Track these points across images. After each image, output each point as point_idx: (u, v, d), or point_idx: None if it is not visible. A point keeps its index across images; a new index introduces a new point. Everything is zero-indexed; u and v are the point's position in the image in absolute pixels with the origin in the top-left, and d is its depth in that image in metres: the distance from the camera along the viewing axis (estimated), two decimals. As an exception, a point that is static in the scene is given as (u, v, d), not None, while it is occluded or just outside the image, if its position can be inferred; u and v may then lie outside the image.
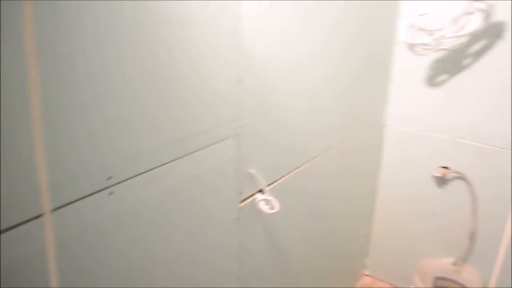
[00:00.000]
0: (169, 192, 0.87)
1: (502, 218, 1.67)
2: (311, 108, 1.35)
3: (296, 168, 1.35)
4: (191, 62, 0.85)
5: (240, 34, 0.96)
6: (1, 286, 0.60)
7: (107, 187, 0.74)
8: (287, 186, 1.32)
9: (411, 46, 1.50)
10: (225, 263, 1.15)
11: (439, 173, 1.82)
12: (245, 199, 1.16)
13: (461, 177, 1.82)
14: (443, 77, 1.76)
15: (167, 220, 0.89)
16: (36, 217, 0.63)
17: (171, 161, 0.86)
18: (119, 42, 0.69)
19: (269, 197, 1.18)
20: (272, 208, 1.18)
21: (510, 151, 1.67)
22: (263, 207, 1.17)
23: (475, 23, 1.42)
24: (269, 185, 1.23)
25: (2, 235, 0.59)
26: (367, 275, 2.30)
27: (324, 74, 1.38)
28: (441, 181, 1.88)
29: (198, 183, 0.96)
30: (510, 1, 1.51)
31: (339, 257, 1.92)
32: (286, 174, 1.30)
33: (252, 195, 1.18)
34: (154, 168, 0.82)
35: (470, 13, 1.42)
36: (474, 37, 1.60)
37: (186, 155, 0.89)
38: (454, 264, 1.94)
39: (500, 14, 1.55)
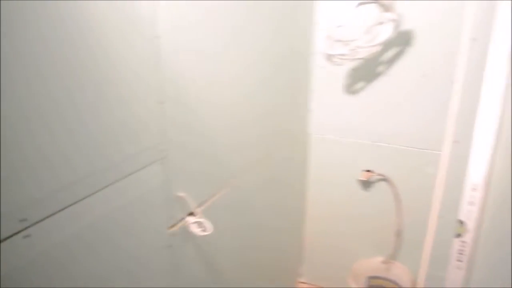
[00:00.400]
0: (92, 226, 0.82)
1: (425, 215, 1.75)
2: (235, 124, 1.34)
3: (226, 186, 1.33)
4: (108, 88, 0.80)
5: (159, 54, 0.93)
6: None
7: (21, 230, 0.68)
8: (218, 204, 1.29)
9: (329, 57, 1.54)
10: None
11: (363, 177, 1.89)
12: (175, 224, 1.11)
13: (384, 179, 1.89)
14: (360, 84, 1.82)
15: (94, 255, 0.83)
16: None
17: (92, 194, 0.80)
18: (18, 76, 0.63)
19: (201, 219, 1.15)
20: (204, 230, 1.15)
21: (428, 151, 1.76)
22: (195, 230, 1.14)
23: (386, 32, 1.49)
24: (199, 206, 1.20)
25: None
26: (302, 283, 2.32)
27: (245, 90, 1.37)
28: (366, 184, 1.95)
29: (125, 212, 0.90)
30: (416, 11, 1.61)
31: (274, 269, 1.92)
32: (217, 193, 1.28)
33: (183, 219, 1.14)
34: (73, 204, 0.76)
35: (382, 23, 1.48)
36: (387, 45, 1.68)
37: (108, 185, 0.84)
38: (384, 262, 2.01)
39: (408, 23, 1.64)
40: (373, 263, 2.05)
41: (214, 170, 1.26)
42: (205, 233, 1.13)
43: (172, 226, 1.11)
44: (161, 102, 0.96)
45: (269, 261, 1.83)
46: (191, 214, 1.16)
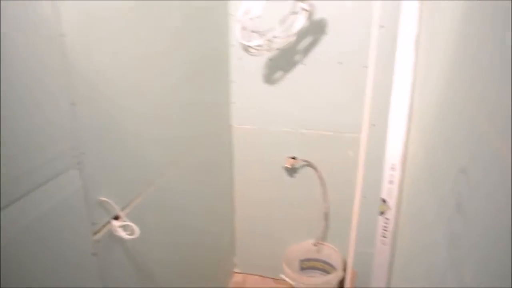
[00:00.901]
0: (11, 239, 0.76)
1: (350, 196, 1.81)
2: (156, 122, 1.30)
3: (150, 185, 1.29)
4: (9, 90, 0.74)
5: (65, 53, 0.87)
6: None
7: None
8: (144, 205, 1.26)
9: (246, 48, 1.53)
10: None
11: (288, 164, 1.92)
12: (100, 230, 1.07)
13: (308, 165, 1.94)
14: (279, 74, 1.85)
15: (15, 269, 0.77)
16: None
17: (4, 208, 0.74)
18: None
19: (127, 222, 1.11)
20: (131, 233, 1.11)
21: (348, 135, 1.83)
22: (122, 234, 1.09)
23: (300, 22, 1.51)
24: (124, 209, 1.16)
25: None
26: (238, 273, 2.33)
27: (165, 87, 1.34)
28: (292, 170, 1.98)
29: (43, 223, 0.85)
30: (328, 0, 1.65)
31: (208, 262, 1.91)
32: (141, 194, 1.24)
33: (108, 223, 1.09)
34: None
35: (296, 13, 1.50)
36: (302, 34, 1.71)
37: (21, 197, 0.78)
38: (315, 244, 2.07)
39: (322, 12, 1.68)
40: (305, 247, 2.11)
41: (137, 171, 1.22)
42: (132, 237, 1.10)
43: (97, 232, 1.06)
44: (73, 103, 0.90)
45: (202, 254, 1.82)
46: (116, 218, 1.12)
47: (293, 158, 1.93)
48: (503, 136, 0.40)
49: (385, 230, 1.28)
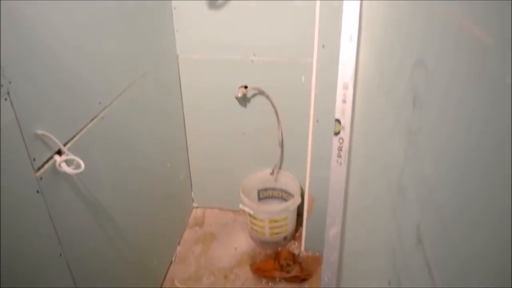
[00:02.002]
0: None
1: (305, 122, 1.80)
2: (94, 51, 1.21)
3: (95, 118, 1.22)
4: None
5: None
6: None
7: None
8: (89, 139, 1.19)
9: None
10: (41, 244, 1.01)
11: (239, 93, 1.87)
12: (42, 166, 1.00)
13: (261, 93, 1.90)
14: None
15: None
16: None
17: None
18: None
19: (71, 157, 1.05)
20: (77, 167, 1.05)
21: (300, 59, 1.78)
22: (67, 169, 1.03)
23: None
24: (67, 143, 1.09)
25: None
26: (197, 207, 2.33)
27: (99, 14, 1.23)
28: (244, 100, 1.94)
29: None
30: None
31: (165, 199, 1.88)
32: (84, 127, 1.17)
33: (50, 159, 1.03)
34: None
35: None
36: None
37: None
38: (271, 173, 2.07)
39: None
40: (261, 176, 2.11)
41: (77, 102, 1.14)
42: (78, 171, 1.04)
43: (39, 168, 0.99)
44: (-6, 25, 0.80)
45: (158, 190, 1.78)
46: (59, 153, 1.05)
47: (245, 87, 1.88)
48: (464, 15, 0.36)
49: (340, 150, 1.28)
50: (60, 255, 1.09)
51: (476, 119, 0.32)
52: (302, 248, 2.05)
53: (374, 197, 0.75)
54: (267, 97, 1.89)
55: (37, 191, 0.99)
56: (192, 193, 2.28)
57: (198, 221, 2.24)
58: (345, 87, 1.26)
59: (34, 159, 0.97)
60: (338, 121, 1.29)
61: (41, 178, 0.99)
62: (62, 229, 1.08)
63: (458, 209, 0.34)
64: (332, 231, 1.26)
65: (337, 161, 1.28)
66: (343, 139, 1.27)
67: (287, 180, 2.09)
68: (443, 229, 0.37)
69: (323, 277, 1.32)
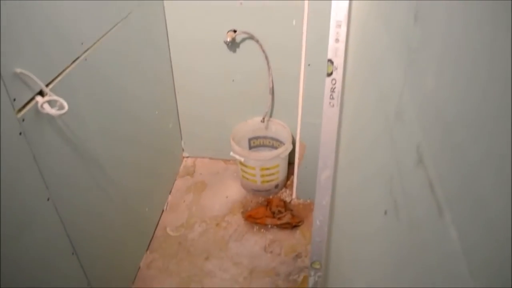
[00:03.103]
0: None
1: (296, 67, 1.76)
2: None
3: (77, 59, 1.17)
4: None
5: None
6: None
7: None
8: (72, 81, 1.14)
9: None
10: (27, 187, 0.98)
11: (228, 37, 1.80)
12: (23, 106, 0.96)
13: (250, 37, 1.84)
14: None
15: None
16: None
17: None
18: None
19: (53, 98, 1.01)
20: (61, 108, 1.01)
21: (291, 2, 1.71)
22: (50, 110, 0.99)
23: None
24: (49, 83, 1.04)
25: None
26: (187, 157, 2.31)
27: None
28: (233, 45, 1.88)
29: None
30: None
31: (154, 147, 1.86)
32: (66, 68, 1.12)
33: (32, 100, 0.99)
34: None
35: None
36: None
37: None
38: (262, 121, 2.04)
39: None
40: (252, 124, 2.08)
41: (59, 41, 1.08)
42: (61, 112, 1.00)
43: (20, 109, 0.95)
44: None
45: (147, 137, 1.75)
46: (41, 94, 1.01)
47: (234, 31, 1.82)
48: None
49: (332, 91, 1.24)
50: (48, 199, 1.07)
51: (483, 30, 0.29)
52: (294, 195, 2.06)
53: (369, 129, 0.73)
54: (257, 41, 1.83)
55: (20, 133, 0.95)
56: (182, 142, 2.25)
57: (189, 171, 2.23)
58: (338, 26, 1.21)
59: (14, 100, 0.92)
60: (330, 61, 1.25)
61: (23, 120, 0.95)
62: (48, 173, 1.05)
63: (463, 123, 0.32)
64: (324, 174, 1.25)
65: (330, 103, 1.25)
66: (335, 80, 1.23)
67: (278, 128, 2.06)
68: (446, 144, 0.35)
69: (315, 221, 1.32)
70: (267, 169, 1.94)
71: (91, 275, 1.32)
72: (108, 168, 1.40)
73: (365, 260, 0.66)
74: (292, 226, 1.90)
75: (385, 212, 0.54)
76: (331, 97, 1.25)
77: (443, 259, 0.32)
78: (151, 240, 1.86)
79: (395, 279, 0.47)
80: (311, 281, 1.42)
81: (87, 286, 1.31)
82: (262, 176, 1.96)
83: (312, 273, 1.40)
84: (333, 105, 1.25)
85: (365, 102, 0.80)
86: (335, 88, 1.24)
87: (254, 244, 1.84)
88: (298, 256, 1.79)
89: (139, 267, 1.75)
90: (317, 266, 1.38)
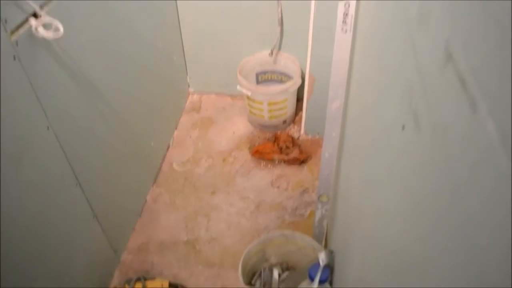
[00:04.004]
0: None
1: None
2: None
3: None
4: None
5: None
6: None
7: None
8: (69, 3, 1.08)
9: None
10: (25, 115, 0.95)
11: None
12: (16, 29, 0.91)
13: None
14: None
15: None
16: None
17: None
18: None
19: (48, 20, 0.95)
20: (56, 31, 0.95)
21: None
22: (44, 33, 0.94)
23: None
24: (43, 6, 0.98)
25: None
26: (193, 92, 2.26)
27: None
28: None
29: None
30: None
31: (158, 80, 1.80)
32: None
33: (26, 22, 0.93)
34: None
35: None
36: None
37: None
38: (270, 54, 1.97)
39: None
40: (260, 58, 2.01)
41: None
42: (57, 35, 0.95)
43: (13, 31, 0.90)
44: None
45: (151, 67, 1.69)
46: (34, 16, 0.95)
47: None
48: None
49: (345, 16, 1.17)
50: (48, 128, 1.04)
51: None
52: (302, 131, 2.02)
53: (384, 47, 0.67)
54: (265, -32, 1.73)
55: (14, 57, 0.90)
56: (188, 77, 2.19)
57: (195, 106, 2.19)
58: None
59: (6, 21, 0.87)
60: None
61: (16, 43, 0.90)
62: (46, 101, 1.01)
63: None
64: (335, 104, 1.20)
65: (342, 28, 1.18)
66: (349, 4, 1.15)
67: (287, 62, 1.99)
68: (482, 30, 0.29)
69: (324, 153, 1.29)
70: (275, 103, 1.89)
71: (97, 207, 1.31)
72: (110, 99, 1.36)
73: (378, 181, 0.62)
74: (300, 161, 1.88)
75: (403, 127, 0.49)
76: (344, 22, 1.18)
77: (477, 157, 0.28)
78: (157, 175, 1.85)
79: (416, 192, 0.43)
80: (318, 215, 1.41)
81: (93, 218, 1.31)
82: (270, 111, 1.91)
83: (319, 206, 1.38)
84: (345, 31, 1.18)
85: (381, 19, 0.73)
86: (348, 12, 1.16)
87: (261, 179, 1.83)
88: (305, 191, 1.78)
89: (146, 201, 1.75)
90: (325, 200, 1.36)
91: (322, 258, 0.72)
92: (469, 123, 0.30)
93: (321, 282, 0.69)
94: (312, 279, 0.69)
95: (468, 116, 0.30)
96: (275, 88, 1.87)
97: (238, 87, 1.88)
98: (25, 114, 0.96)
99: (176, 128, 2.06)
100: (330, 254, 0.72)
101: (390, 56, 0.62)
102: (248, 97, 1.90)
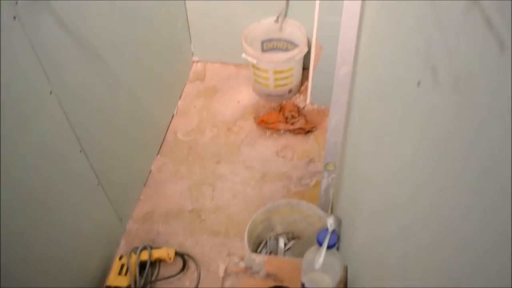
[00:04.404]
0: None
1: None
2: None
3: None
4: None
5: None
6: None
7: None
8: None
9: None
10: (27, 79, 0.93)
11: None
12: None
13: None
14: None
15: None
16: None
17: None
18: None
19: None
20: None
21: None
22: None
23: None
24: (42, -36, 0.95)
25: None
26: (197, 61, 2.22)
27: None
28: None
29: None
30: None
31: (162, 48, 1.77)
32: None
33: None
34: None
35: None
36: None
37: None
38: (276, 21, 1.92)
39: None
40: (265, 25, 1.96)
41: None
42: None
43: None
44: None
45: (153, 36, 1.66)
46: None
47: None
48: None
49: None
50: (51, 92, 1.02)
51: None
52: (308, 101, 1.99)
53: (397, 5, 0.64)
54: None
55: (14, 17, 0.88)
56: (192, 45, 2.15)
57: (199, 75, 2.15)
58: None
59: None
60: None
61: (16, 2, 0.88)
62: (48, 64, 0.99)
63: None
64: (343, 70, 1.17)
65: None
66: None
67: (293, 29, 1.94)
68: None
69: (330, 120, 1.26)
70: (281, 72, 1.85)
71: (101, 175, 1.30)
72: (113, 65, 1.33)
73: (391, 142, 0.60)
74: (305, 131, 1.86)
75: (418, 84, 0.47)
76: (353, -15, 1.13)
77: (507, 102, 0.26)
78: (161, 144, 1.84)
79: (435, 145, 0.42)
80: (324, 184, 1.40)
81: (97, 185, 1.30)
82: (276, 80, 1.88)
83: (326, 175, 1.37)
84: (354, -5, 1.14)
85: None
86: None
87: (266, 149, 1.81)
88: (311, 161, 1.76)
89: (150, 171, 1.74)
90: (331, 168, 1.34)
91: (331, 223, 0.71)
92: (497, 66, 0.28)
93: (329, 247, 0.68)
94: (320, 244, 0.68)
95: (495, 57, 0.28)
96: (281, 56, 1.84)
97: (243, 55, 1.84)
98: (27, 77, 0.94)
99: (180, 98, 2.03)
100: (338, 221, 0.71)
101: (406, 13, 0.59)
102: (253, 66, 1.86)
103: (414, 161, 0.48)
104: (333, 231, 0.70)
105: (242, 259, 0.96)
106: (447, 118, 0.38)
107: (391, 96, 0.63)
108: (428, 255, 0.42)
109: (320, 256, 0.68)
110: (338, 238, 0.70)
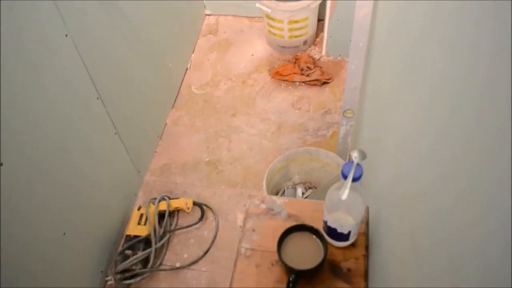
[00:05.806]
0: None
1: None
2: None
3: None
4: None
5: None
6: None
7: None
8: None
9: None
10: (43, 19, 0.90)
11: None
12: None
13: None
14: None
15: None
16: None
17: None
18: None
19: None
20: None
21: None
22: None
23: None
24: None
25: None
26: (209, 15, 2.18)
27: None
28: None
29: None
30: None
31: (176, 4, 1.73)
32: None
33: None
34: None
35: None
36: None
37: None
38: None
39: None
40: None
41: None
42: None
43: None
44: None
45: None
46: None
47: None
48: None
49: None
50: (66, 35, 1.00)
51: None
52: (323, 52, 1.95)
53: None
54: None
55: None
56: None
57: (212, 29, 2.11)
58: None
59: None
60: None
61: None
62: (64, 7, 0.97)
63: None
64: (363, 12, 1.13)
65: None
66: None
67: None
68: None
69: (350, 65, 1.23)
70: (296, 22, 1.81)
71: (118, 124, 1.30)
72: (128, 14, 1.31)
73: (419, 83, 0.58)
74: (321, 83, 1.83)
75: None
76: None
77: None
78: (176, 98, 1.82)
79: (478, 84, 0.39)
80: (342, 131, 1.38)
81: (115, 134, 1.30)
82: (290, 30, 1.84)
83: (344, 122, 1.35)
84: None
85: None
86: None
87: (282, 101, 1.79)
88: (327, 112, 1.74)
89: (166, 124, 1.74)
90: (350, 115, 1.32)
91: (355, 155, 0.69)
92: None
93: (354, 180, 0.67)
94: (345, 177, 0.67)
95: None
96: (296, 4, 1.79)
97: (257, 4, 1.79)
98: (42, 18, 0.92)
99: (193, 51, 2.00)
100: (363, 154, 0.69)
101: None
102: (267, 16, 1.82)
103: (447, 82, 0.46)
104: (358, 165, 0.69)
105: (262, 201, 0.95)
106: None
107: (426, 29, 0.60)
108: (467, 179, 0.40)
109: (346, 188, 0.67)
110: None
